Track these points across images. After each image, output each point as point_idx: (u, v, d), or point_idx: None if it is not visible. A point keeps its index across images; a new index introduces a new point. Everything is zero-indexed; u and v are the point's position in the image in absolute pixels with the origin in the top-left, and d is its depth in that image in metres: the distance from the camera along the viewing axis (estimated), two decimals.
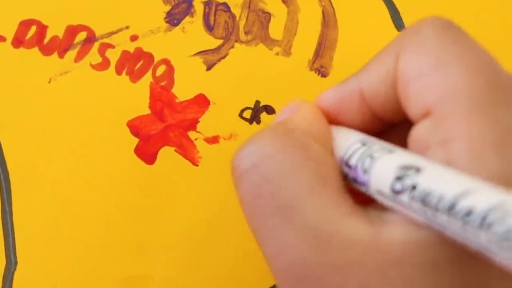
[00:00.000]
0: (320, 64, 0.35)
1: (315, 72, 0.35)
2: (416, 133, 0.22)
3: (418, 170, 0.20)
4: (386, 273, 0.20)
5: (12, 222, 0.34)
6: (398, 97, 0.23)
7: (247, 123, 0.35)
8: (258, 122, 0.34)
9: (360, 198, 0.22)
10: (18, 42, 0.35)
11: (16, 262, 0.33)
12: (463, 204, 0.18)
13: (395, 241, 0.20)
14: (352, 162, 0.22)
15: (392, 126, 0.25)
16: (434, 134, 0.21)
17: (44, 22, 0.35)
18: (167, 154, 0.34)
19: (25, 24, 0.35)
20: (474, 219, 0.18)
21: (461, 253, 0.19)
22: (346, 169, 0.23)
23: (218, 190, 0.34)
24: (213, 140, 0.34)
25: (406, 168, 0.20)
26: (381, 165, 0.21)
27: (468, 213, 0.18)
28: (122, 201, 0.34)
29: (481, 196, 0.18)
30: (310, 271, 0.20)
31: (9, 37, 0.35)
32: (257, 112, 0.35)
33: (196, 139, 0.34)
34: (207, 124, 0.34)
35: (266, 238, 0.22)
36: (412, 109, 0.22)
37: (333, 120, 0.25)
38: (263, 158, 0.22)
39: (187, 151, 0.34)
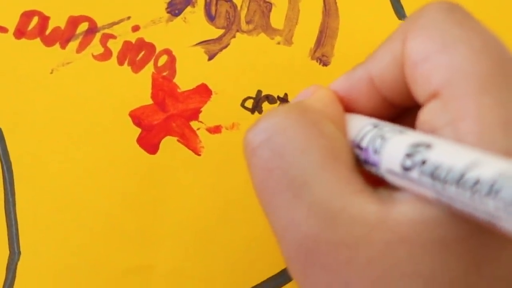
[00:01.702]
0: (321, 53, 0.35)
1: (317, 61, 0.35)
2: (424, 115, 0.22)
3: (428, 146, 0.20)
4: (395, 250, 0.20)
5: (15, 213, 0.34)
6: (406, 81, 0.23)
7: (249, 112, 0.35)
8: (260, 111, 0.35)
9: (371, 180, 0.23)
10: (20, 33, 0.35)
11: (19, 253, 0.34)
12: (472, 175, 0.18)
13: (404, 219, 0.20)
14: (364, 143, 0.23)
15: (404, 112, 0.25)
16: (442, 115, 0.21)
17: (46, 13, 0.35)
18: (169, 144, 0.34)
19: (27, 15, 0.35)
20: (482, 188, 0.18)
21: (470, 232, 0.20)
22: (357, 151, 0.23)
23: (221, 179, 0.34)
24: (215, 130, 0.34)
25: (417, 145, 0.20)
26: (392, 145, 0.21)
27: (476, 182, 0.18)
28: (125, 191, 0.34)
29: (488, 166, 0.18)
30: (318, 247, 0.21)
31: (11, 28, 0.35)
32: (258, 102, 0.35)
33: (198, 129, 0.34)
34: (209, 114, 0.35)
35: (275, 213, 0.22)
36: (420, 91, 0.22)
37: (345, 107, 0.25)
38: (275, 133, 0.22)
39: (190, 141, 0.34)
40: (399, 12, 0.36)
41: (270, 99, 0.35)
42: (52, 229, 0.34)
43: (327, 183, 0.21)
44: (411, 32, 0.23)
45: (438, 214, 0.20)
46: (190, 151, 0.34)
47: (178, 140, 0.34)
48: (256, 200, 0.23)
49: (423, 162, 0.20)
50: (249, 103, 0.35)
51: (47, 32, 0.35)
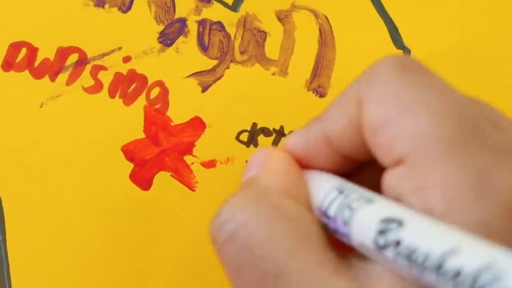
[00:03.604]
0: (317, 84, 0.34)
1: (313, 93, 0.34)
2: (389, 180, 0.21)
3: (400, 223, 0.19)
4: None
5: (5, 250, 0.33)
6: (366, 145, 0.22)
7: (244, 146, 0.34)
8: (256, 145, 0.34)
9: (342, 243, 0.22)
10: (8, 65, 0.34)
11: None
12: (452, 263, 0.17)
13: None
14: (331, 213, 0.22)
15: (364, 164, 0.24)
16: (408, 182, 0.20)
17: (35, 44, 0.34)
18: (163, 179, 0.34)
19: (15, 47, 0.34)
20: (464, 280, 0.17)
21: None
22: (325, 219, 0.22)
23: None
24: (210, 164, 0.34)
25: (388, 221, 0.20)
26: (361, 218, 0.21)
27: (457, 273, 0.17)
28: (118, 228, 0.33)
29: (469, 255, 0.17)
30: None
31: None
32: (254, 135, 0.34)
33: (192, 163, 0.34)
34: (204, 147, 0.34)
35: None
36: (383, 158, 0.21)
37: (304, 164, 0.24)
38: (238, 228, 0.22)
39: (184, 176, 0.33)
40: (398, 41, 0.35)
41: (265, 132, 0.34)
42: (44, 266, 0.33)
43: (300, 272, 0.20)
44: (366, 95, 0.22)
45: None
46: (184, 187, 0.33)
47: (171, 175, 0.34)
48: None
49: (398, 243, 0.19)
50: (244, 137, 0.34)
51: (36, 64, 0.34)
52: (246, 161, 0.25)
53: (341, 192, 0.22)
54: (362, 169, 0.24)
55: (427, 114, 0.20)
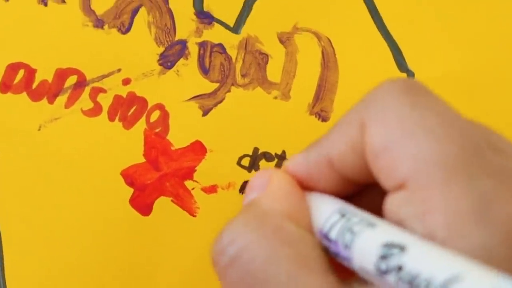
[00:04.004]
0: (320, 108, 0.34)
1: (315, 117, 0.34)
2: (391, 205, 0.21)
3: (402, 248, 0.19)
4: None
5: (3, 277, 0.33)
6: (368, 168, 0.22)
7: (245, 171, 0.33)
8: (257, 169, 0.33)
9: (344, 267, 0.22)
10: (5, 87, 0.34)
11: None
12: None
13: None
14: (332, 236, 0.22)
15: (366, 186, 0.24)
16: (410, 206, 0.20)
17: (33, 66, 0.34)
18: (163, 204, 0.33)
19: (13, 68, 0.34)
20: None
21: None
22: (326, 242, 0.22)
23: None
24: (211, 189, 0.33)
25: (390, 246, 0.20)
26: (363, 242, 0.21)
27: None
28: (117, 254, 0.33)
29: (472, 282, 0.17)
30: None
31: None
32: (255, 160, 0.33)
33: (193, 188, 0.33)
34: (204, 172, 0.33)
35: None
36: (384, 181, 0.21)
37: (306, 186, 0.24)
38: (240, 251, 0.22)
39: (184, 202, 0.33)
40: (401, 64, 0.35)
41: (267, 156, 0.34)
42: None
43: None
44: (368, 118, 0.22)
45: None
46: (185, 212, 0.33)
47: (172, 201, 0.33)
48: None
49: (400, 268, 0.19)
50: (246, 161, 0.33)
51: (34, 85, 0.34)
52: (247, 182, 0.25)
53: (343, 215, 0.22)
54: (364, 191, 0.24)
55: (429, 138, 0.20)
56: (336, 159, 0.23)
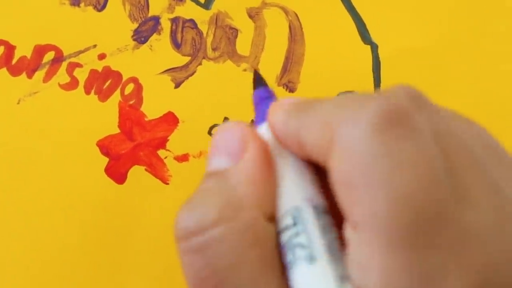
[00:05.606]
0: (287, 79, 0.35)
1: (283, 88, 0.35)
2: (346, 234, 0.20)
3: None
4: None
5: None
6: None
7: None
8: None
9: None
10: None
11: None
12: None
13: None
14: (283, 239, 0.21)
15: None
16: (356, 251, 0.20)
17: (12, 42, 0.35)
18: (137, 173, 0.34)
19: None
20: None
21: None
22: (279, 237, 0.22)
23: None
24: (183, 158, 0.35)
25: None
26: (299, 275, 0.21)
27: None
28: (93, 221, 0.34)
29: None
30: None
31: None
32: None
33: (165, 157, 0.35)
34: (177, 142, 0.35)
35: None
36: (342, 207, 0.20)
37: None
38: (208, 241, 0.21)
39: (157, 170, 0.34)
40: (365, 37, 0.36)
41: None
42: (18, 259, 0.34)
43: None
44: (339, 140, 0.20)
45: None
46: (158, 180, 0.34)
47: (146, 169, 0.34)
48: None
49: None
50: None
51: (14, 61, 0.35)
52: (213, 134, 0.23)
53: (295, 223, 0.21)
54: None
55: (388, 195, 0.19)
56: (308, 144, 0.22)
